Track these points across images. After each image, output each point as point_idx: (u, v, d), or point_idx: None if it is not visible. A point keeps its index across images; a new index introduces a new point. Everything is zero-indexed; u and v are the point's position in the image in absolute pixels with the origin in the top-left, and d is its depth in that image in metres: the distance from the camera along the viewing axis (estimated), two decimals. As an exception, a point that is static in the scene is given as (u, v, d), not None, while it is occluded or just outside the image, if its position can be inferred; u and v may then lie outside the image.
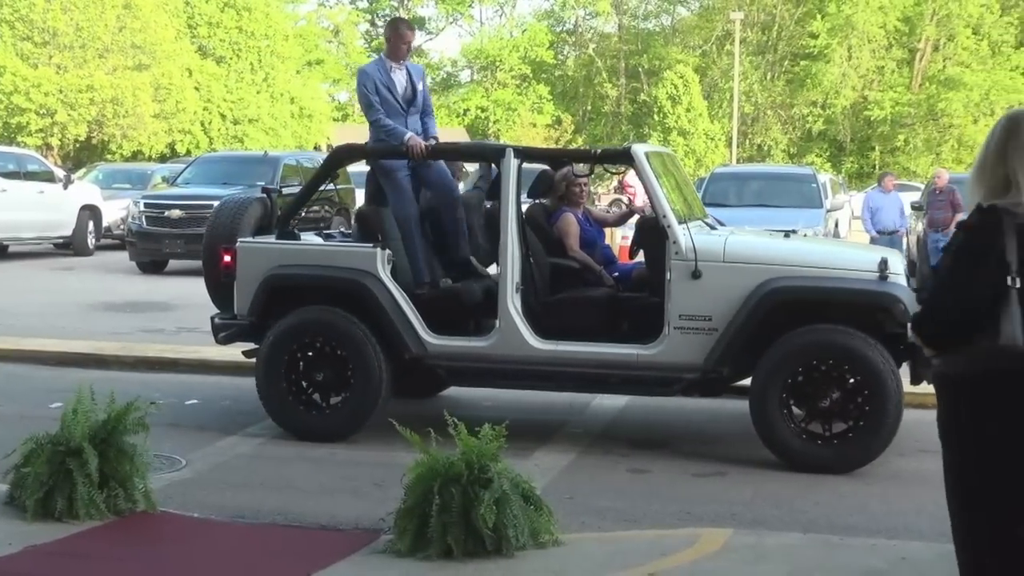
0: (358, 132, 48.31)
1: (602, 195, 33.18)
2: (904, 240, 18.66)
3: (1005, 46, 55.69)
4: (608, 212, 11.02)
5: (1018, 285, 3.23)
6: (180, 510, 6.37)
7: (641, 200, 14.31)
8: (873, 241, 16.73)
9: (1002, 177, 3.35)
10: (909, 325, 3.58)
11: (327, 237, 9.41)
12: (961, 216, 8.22)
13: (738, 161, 51.22)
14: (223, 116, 47.07)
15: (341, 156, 9.09)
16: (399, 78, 8.57)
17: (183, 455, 7.71)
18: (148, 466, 6.24)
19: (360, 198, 12.41)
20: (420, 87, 8.65)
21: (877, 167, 49.44)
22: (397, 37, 8.67)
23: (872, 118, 56.51)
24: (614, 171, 10.25)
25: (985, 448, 3.39)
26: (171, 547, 5.80)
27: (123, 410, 6.13)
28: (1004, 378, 3.30)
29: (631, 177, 21.12)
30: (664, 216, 7.73)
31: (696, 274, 7.58)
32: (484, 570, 5.35)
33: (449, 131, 48.09)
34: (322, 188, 8.90)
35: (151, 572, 5.49)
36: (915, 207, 19.99)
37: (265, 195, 8.98)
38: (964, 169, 42.75)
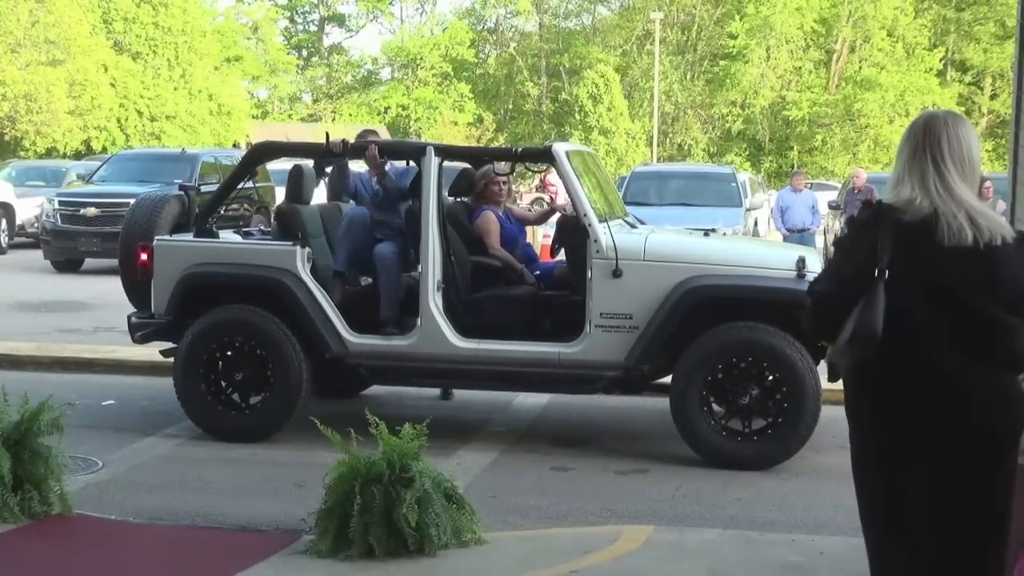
0: (277, 129, 48.00)
1: (524, 193, 33.20)
2: (817, 238, 18.90)
3: (919, 48, 56.53)
4: (529, 210, 11.04)
5: (886, 276, 3.32)
6: (97, 512, 6.28)
7: (562, 199, 14.34)
8: (784, 239, 16.93)
9: (897, 175, 3.48)
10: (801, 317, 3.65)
11: (246, 235, 9.33)
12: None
13: (659, 160, 51.52)
14: (140, 113, 46.36)
15: (260, 153, 9.02)
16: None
17: (100, 456, 7.60)
18: (64, 468, 6.15)
19: (280, 196, 12.31)
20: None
21: (795, 166, 49.95)
22: (362, 154, 8.36)
23: (790, 118, 57.10)
24: (535, 170, 10.27)
25: (863, 434, 3.49)
26: (87, 550, 5.72)
27: (37, 411, 6.02)
28: (867, 367, 3.39)
29: (553, 176, 21.15)
30: (585, 215, 7.76)
31: (617, 273, 7.61)
32: (406, 570, 5.34)
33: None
34: (241, 186, 8.82)
35: (66, 576, 5.41)
36: (833, 206, 20.28)
37: (183, 193, 8.89)
38: (881, 168, 43.51)
